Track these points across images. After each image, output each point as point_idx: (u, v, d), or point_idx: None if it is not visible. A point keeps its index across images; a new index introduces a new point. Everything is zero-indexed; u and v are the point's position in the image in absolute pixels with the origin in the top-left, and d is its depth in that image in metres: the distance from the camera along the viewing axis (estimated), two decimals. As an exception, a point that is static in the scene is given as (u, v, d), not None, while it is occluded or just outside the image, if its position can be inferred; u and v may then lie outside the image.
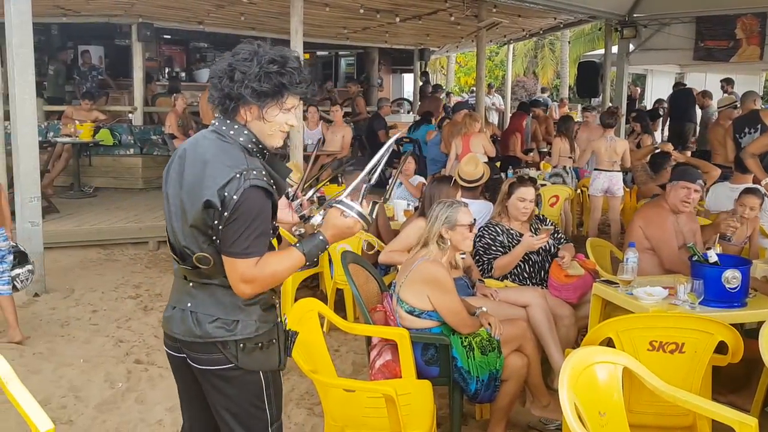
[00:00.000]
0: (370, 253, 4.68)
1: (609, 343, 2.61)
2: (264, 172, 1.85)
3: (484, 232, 4.04)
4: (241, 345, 1.92)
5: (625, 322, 2.61)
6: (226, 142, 1.89)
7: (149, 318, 4.92)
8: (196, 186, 1.83)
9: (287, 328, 2.07)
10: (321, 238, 1.91)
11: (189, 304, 1.94)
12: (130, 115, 10.39)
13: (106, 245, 6.84)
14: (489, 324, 3.11)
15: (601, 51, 13.80)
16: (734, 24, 10.39)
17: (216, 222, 1.81)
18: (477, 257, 3.99)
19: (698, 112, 11.76)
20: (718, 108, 9.38)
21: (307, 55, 14.66)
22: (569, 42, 22.61)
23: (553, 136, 7.63)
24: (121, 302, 5.29)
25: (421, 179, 6.27)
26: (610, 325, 2.59)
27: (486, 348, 3.04)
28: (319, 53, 15.92)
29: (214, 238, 1.83)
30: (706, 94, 11.54)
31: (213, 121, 1.96)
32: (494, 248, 3.99)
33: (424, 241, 3.10)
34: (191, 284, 1.95)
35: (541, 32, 13.66)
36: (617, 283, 3.45)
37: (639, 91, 15.28)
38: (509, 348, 3.15)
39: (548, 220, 4.17)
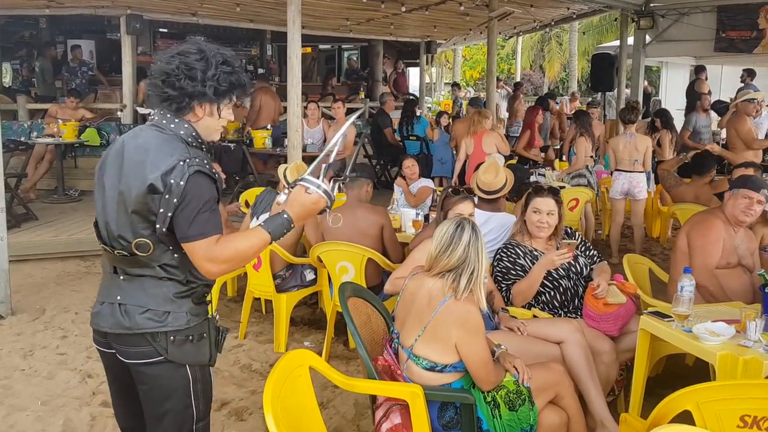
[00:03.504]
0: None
1: (686, 416, 2.02)
2: (206, 161, 1.90)
3: (502, 254, 3.46)
4: (171, 337, 1.94)
5: (708, 392, 2.01)
6: (165, 134, 1.94)
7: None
8: (139, 172, 1.87)
9: (218, 325, 2.09)
10: (285, 216, 1.92)
11: (118, 297, 1.96)
12: (119, 113, 9.83)
13: (86, 256, 6.29)
14: (515, 368, 2.55)
15: (614, 42, 13.20)
16: (757, 13, 9.82)
17: (161, 209, 1.84)
18: (495, 284, 3.41)
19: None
20: (735, 102, 8.81)
21: (308, 49, 14.11)
22: (584, 33, 21.94)
23: (576, 135, 7.01)
24: (95, 325, 4.72)
25: (427, 183, 5.67)
26: (689, 395, 2.00)
27: (514, 402, 2.47)
28: (321, 47, 15.34)
29: (157, 225, 1.86)
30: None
31: (151, 116, 1.99)
32: (514, 273, 3.40)
33: (452, 280, 2.44)
34: (121, 277, 1.97)
35: (552, 23, 13.03)
36: (668, 315, 2.87)
37: (651, 89, 14.54)
38: (543, 399, 2.58)
39: (577, 234, 3.57)
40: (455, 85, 13.59)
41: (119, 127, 9.42)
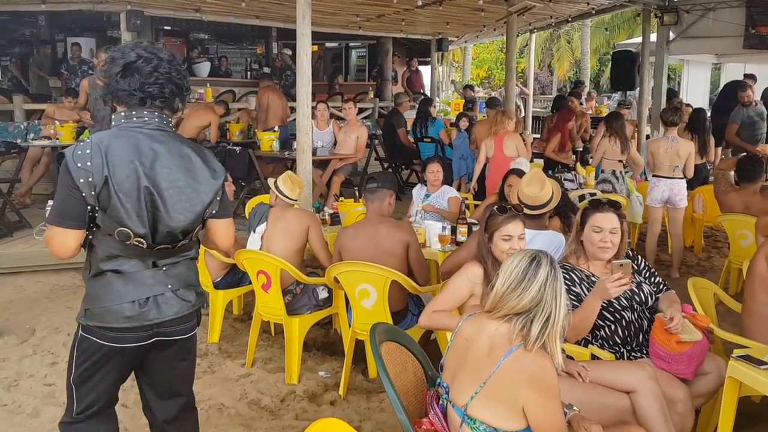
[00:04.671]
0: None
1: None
2: None
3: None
4: (203, 305, 2.32)
5: None
6: (178, 134, 2.22)
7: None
8: (207, 173, 2.17)
9: None
10: None
11: (169, 286, 2.15)
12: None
13: (81, 269, 5.83)
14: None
15: (635, 39, 12.72)
16: (789, 8, 9.34)
17: (218, 197, 2.21)
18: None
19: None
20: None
21: (315, 47, 13.65)
22: (606, 30, 21.42)
23: (601, 136, 6.57)
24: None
25: (452, 192, 5.20)
26: None
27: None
28: (328, 45, 14.89)
29: (211, 211, 2.21)
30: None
31: (145, 119, 2.10)
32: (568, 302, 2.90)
33: (522, 326, 1.98)
34: (164, 268, 2.15)
35: (570, 19, 12.53)
36: (762, 361, 2.41)
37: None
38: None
39: (639, 258, 3.08)
40: (468, 87, 13.06)
41: (119, 128, 8.98)
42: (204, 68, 11.95)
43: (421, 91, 13.25)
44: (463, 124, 7.97)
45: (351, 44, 14.82)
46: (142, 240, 2.05)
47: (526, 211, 3.24)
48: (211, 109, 8.27)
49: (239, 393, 3.79)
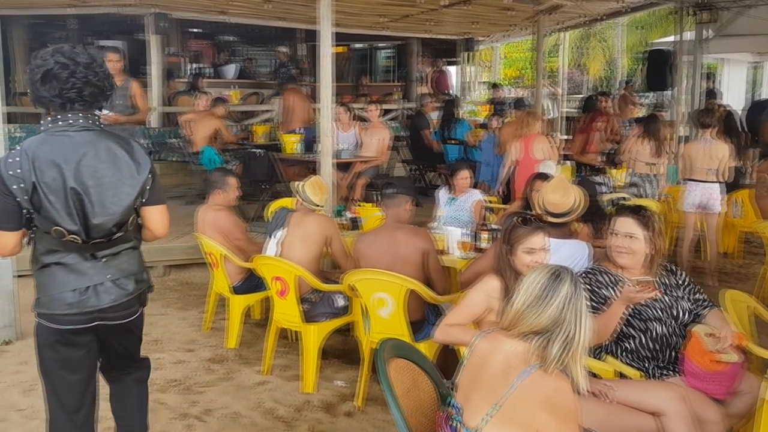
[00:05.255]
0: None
1: None
2: None
3: (581, 279, 2.82)
4: (149, 289, 2.49)
5: None
6: (107, 131, 2.33)
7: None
8: (133, 167, 2.29)
9: None
10: None
11: (108, 276, 2.30)
12: (146, 115, 9.43)
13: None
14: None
15: (669, 38, 12.39)
16: (836, 4, 8.95)
17: (148, 186, 2.33)
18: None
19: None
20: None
21: (341, 48, 13.60)
22: (640, 28, 20.96)
23: (636, 137, 6.35)
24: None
25: (479, 196, 5.05)
26: None
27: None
28: (355, 46, 14.83)
29: (141, 200, 2.33)
30: None
31: (69, 122, 2.23)
32: (594, 305, 2.77)
33: (540, 345, 1.86)
34: (104, 259, 2.30)
35: (602, 18, 12.23)
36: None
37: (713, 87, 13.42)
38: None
39: (681, 272, 2.90)
40: (495, 86, 12.83)
41: (146, 131, 9.03)
42: (230, 70, 11.97)
43: (447, 91, 13.09)
44: (494, 123, 7.78)
45: (378, 45, 14.72)
46: (76, 236, 2.21)
47: (549, 219, 3.10)
48: (211, 114, 8.12)
49: (254, 401, 3.72)
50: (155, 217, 2.39)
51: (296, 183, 4.25)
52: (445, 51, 14.38)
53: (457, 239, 4.08)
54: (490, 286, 2.65)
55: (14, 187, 2.13)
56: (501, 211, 5.66)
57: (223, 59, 12.63)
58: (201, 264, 5.27)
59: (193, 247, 5.41)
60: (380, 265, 3.51)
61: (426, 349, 3.49)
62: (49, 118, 2.24)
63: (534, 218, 2.72)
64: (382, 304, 3.52)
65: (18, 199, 2.15)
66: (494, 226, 4.41)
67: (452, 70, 14.12)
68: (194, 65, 11.98)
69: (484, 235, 4.15)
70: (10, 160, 2.15)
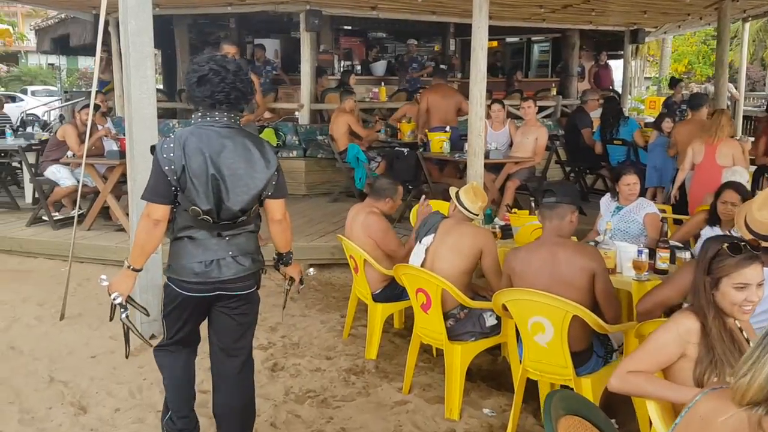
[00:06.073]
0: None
1: None
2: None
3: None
4: (262, 270, 2.81)
5: None
6: (244, 130, 2.68)
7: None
8: (263, 163, 2.62)
9: None
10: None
11: (230, 253, 2.64)
12: (296, 113, 9.57)
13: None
14: None
15: None
16: None
17: (273, 182, 2.67)
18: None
19: None
20: None
21: (495, 43, 13.04)
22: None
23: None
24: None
25: (650, 207, 4.37)
26: None
27: None
28: (508, 40, 14.19)
29: (267, 193, 2.68)
30: None
31: (216, 119, 2.61)
32: None
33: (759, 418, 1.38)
34: (227, 238, 2.64)
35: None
36: None
37: None
38: None
39: None
40: (675, 81, 11.53)
41: (296, 127, 9.14)
42: (380, 67, 11.88)
43: (611, 87, 12.09)
44: (666, 126, 6.94)
45: (533, 38, 13.97)
46: (208, 216, 2.56)
47: (764, 243, 2.47)
48: (341, 111, 7.97)
49: (393, 424, 3.42)
50: (276, 208, 2.73)
51: (453, 189, 3.91)
52: (609, 44, 13.33)
53: (631, 257, 3.50)
54: (684, 328, 2.11)
55: (166, 168, 2.52)
56: (671, 223, 4.92)
57: (373, 56, 12.58)
58: (344, 264, 5.10)
59: (337, 246, 5.26)
60: (537, 285, 3.05)
61: (590, 386, 3.00)
62: (199, 114, 2.62)
63: (746, 244, 2.13)
64: (539, 329, 3.07)
65: (169, 178, 2.52)
66: (674, 243, 3.77)
67: (616, 64, 13.04)
68: (345, 62, 12.03)
69: (663, 254, 3.54)
70: (165, 146, 2.54)
